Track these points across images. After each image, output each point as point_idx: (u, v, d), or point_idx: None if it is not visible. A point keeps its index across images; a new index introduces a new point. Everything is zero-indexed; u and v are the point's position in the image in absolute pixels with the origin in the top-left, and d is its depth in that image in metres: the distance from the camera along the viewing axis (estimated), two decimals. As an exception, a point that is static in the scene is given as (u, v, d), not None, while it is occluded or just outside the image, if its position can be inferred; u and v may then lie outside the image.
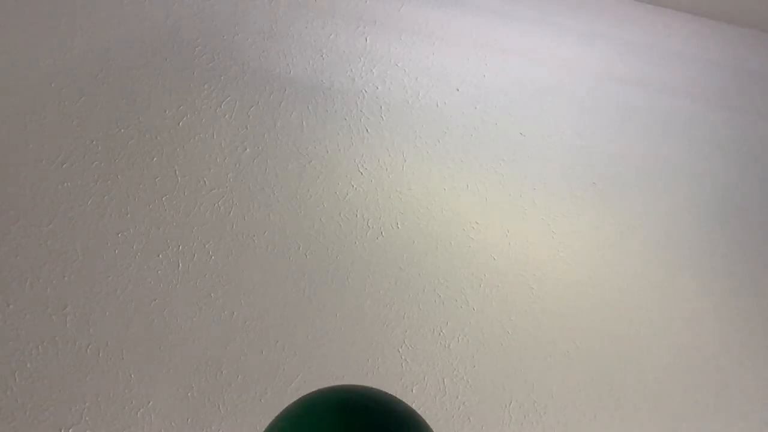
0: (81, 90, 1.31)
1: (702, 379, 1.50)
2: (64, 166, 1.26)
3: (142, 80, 1.35)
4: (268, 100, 1.41)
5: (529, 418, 1.38)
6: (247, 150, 1.37)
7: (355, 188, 1.41)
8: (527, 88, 1.60)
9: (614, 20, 1.74)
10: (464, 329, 1.38)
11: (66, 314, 1.20)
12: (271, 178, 1.36)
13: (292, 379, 1.27)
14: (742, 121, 1.73)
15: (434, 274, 1.40)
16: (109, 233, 1.25)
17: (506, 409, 1.37)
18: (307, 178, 1.39)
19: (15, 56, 1.30)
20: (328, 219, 1.37)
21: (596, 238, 1.53)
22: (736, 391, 1.51)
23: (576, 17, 1.71)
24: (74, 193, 1.26)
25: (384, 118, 1.47)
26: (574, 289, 1.48)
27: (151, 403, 1.19)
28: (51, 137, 1.27)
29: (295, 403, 0.56)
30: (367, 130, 1.45)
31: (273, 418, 0.53)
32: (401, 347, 1.34)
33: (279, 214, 1.35)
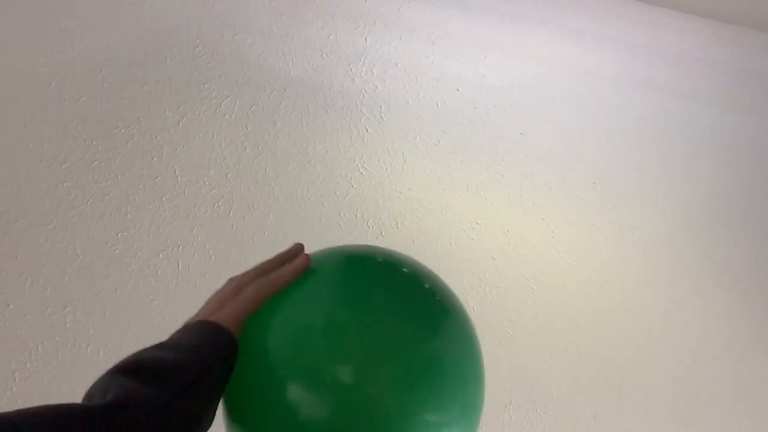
0: (81, 90, 1.31)
1: (702, 379, 1.50)
2: (64, 166, 1.26)
3: (142, 80, 1.35)
4: (268, 100, 1.41)
5: (529, 418, 1.38)
6: (247, 150, 1.37)
7: (355, 188, 1.41)
8: (527, 88, 1.60)
9: (615, 21, 1.74)
10: (464, 329, 1.38)
11: (66, 314, 1.20)
12: (271, 178, 1.36)
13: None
14: (742, 121, 1.73)
15: (434, 274, 1.40)
16: (109, 233, 1.25)
17: (506, 409, 1.37)
18: (307, 178, 1.39)
19: (15, 56, 1.30)
20: (328, 219, 1.37)
21: (596, 238, 1.53)
22: (736, 390, 1.51)
23: (576, 18, 1.71)
24: (74, 193, 1.26)
25: (384, 118, 1.47)
26: (574, 289, 1.48)
27: (151, 403, 1.19)
28: (51, 137, 1.27)
29: None
30: (367, 130, 1.45)
31: None
32: (401, 347, 1.34)
33: (279, 214, 1.35)
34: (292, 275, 0.54)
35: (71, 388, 1.17)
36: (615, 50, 1.70)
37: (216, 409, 0.48)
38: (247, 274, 0.56)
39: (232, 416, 0.50)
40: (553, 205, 1.52)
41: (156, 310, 1.24)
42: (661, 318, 1.51)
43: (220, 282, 0.58)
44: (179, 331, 0.50)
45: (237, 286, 0.55)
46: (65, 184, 1.26)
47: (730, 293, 1.57)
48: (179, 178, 1.32)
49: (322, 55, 1.48)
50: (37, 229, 1.22)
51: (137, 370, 0.43)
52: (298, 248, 0.60)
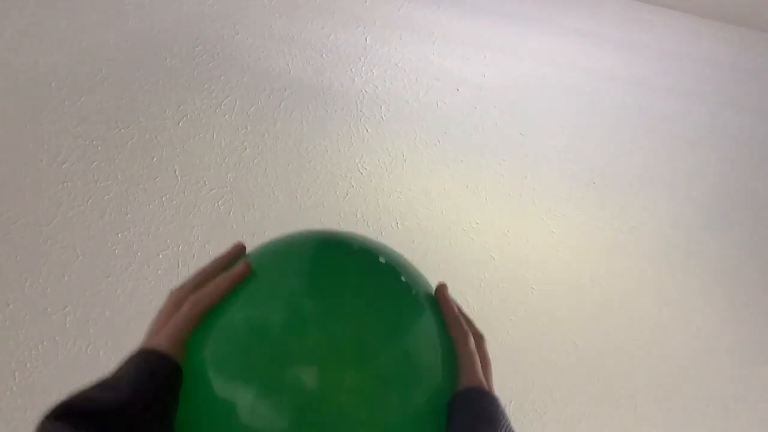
0: (81, 90, 1.31)
1: (701, 379, 1.49)
2: (64, 166, 1.26)
3: (142, 80, 1.35)
4: (268, 100, 1.41)
5: (529, 418, 1.38)
6: (247, 150, 1.37)
7: (355, 188, 1.41)
8: (527, 88, 1.60)
9: (614, 20, 1.74)
10: (464, 329, 1.38)
11: (66, 314, 1.20)
12: (271, 178, 1.36)
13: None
14: (742, 121, 1.73)
15: (434, 274, 1.40)
16: (109, 233, 1.25)
17: (506, 409, 1.37)
18: (307, 178, 1.39)
19: (15, 56, 1.30)
20: (328, 219, 1.37)
21: (596, 238, 1.52)
22: (737, 392, 1.51)
23: (576, 17, 1.71)
24: (74, 193, 1.26)
25: (384, 118, 1.47)
26: (574, 289, 1.48)
27: (151, 403, 1.19)
28: (51, 137, 1.27)
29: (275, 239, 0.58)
30: (367, 130, 1.45)
31: None
32: (401, 347, 1.34)
33: (279, 214, 1.35)
34: (228, 286, 0.50)
35: (71, 389, 1.17)
36: (615, 50, 1.70)
37: None
38: (184, 286, 0.52)
39: None
40: (553, 205, 1.52)
41: (156, 310, 1.24)
42: (660, 318, 1.51)
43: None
44: (121, 364, 0.48)
45: (175, 301, 0.51)
46: (65, 184, 1.26)
47: (731, 293, 1.57)
48: (179, 178, 1.32)
49: (322, 55, 1.48)
50: (37, 229, 1.22)
51: (77, 416, 0.41)
52: (238, 250, 0.57)
